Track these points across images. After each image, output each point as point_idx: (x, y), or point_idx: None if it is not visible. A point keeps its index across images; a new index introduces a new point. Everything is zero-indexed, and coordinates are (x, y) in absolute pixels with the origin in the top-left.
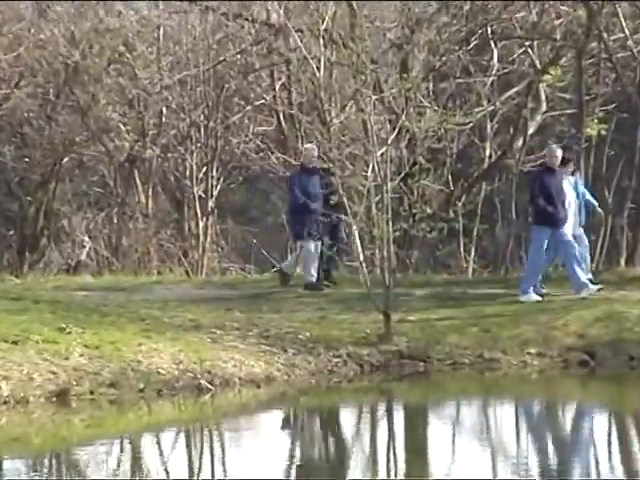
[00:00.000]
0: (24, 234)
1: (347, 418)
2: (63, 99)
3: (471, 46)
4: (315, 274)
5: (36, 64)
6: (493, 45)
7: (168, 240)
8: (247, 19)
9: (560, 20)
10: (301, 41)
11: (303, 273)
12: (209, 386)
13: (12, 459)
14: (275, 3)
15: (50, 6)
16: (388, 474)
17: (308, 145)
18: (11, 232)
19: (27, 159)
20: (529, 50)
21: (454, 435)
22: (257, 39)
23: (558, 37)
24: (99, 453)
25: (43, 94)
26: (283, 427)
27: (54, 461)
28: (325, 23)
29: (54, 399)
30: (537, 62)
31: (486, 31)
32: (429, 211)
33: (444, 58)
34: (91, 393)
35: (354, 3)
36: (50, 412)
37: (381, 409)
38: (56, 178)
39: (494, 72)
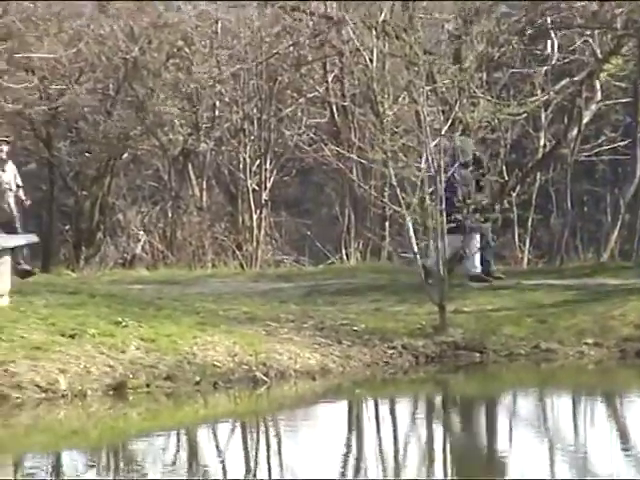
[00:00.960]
0: (80, 228)
1: (404, 410)
2: (123, 94)
3: (527, 36)
4: (479, 265)
5: (96, 60)
6: (552, 34)
7: (222, 233)
8: (305, 12)
9: (621, 9)
10: (354, 33)
11: (466, 265)
12: (264, 378)
13: (70, 452)
14: None
15: (110, 2)
16: (445, 468)
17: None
18: (67, 227)
19: (85, 154)
20: (589, 39)
21: (515, 427)
22: (314, 32)
23: (619, 26)
24: (156, 446)
25: (103, 89)
26: (339, 419)
27: (111, 454)
28: (383, 15)
29: (111, 392)
30: (598, 51)
31: (545, 21)
32: (484, 202)
33: (502, 49)
34: (147, 386)
35: None
36: (107, 405)
37: (438, 400)
38: (111, 172)
39: (552, 62)
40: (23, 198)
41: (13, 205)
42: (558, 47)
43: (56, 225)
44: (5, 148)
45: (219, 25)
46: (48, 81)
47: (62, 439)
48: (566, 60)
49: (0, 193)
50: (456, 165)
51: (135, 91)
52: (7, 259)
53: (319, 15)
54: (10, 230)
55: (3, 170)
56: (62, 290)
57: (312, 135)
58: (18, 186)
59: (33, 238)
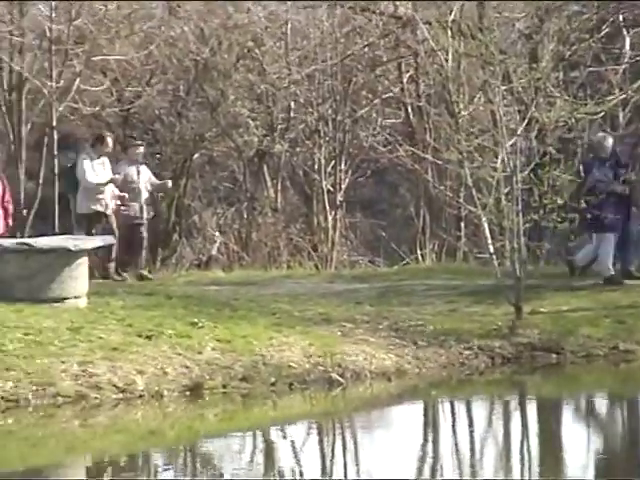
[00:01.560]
0: (156, 230)
1: (480, 411)
2: (193, 96)
3: (602, 34)
4: (612, 267)
5: (166, 62)
6: (625, 32)
7: (297, 234)
8: (375, 12)
9: None
10: (429, 33)
11: (599, 267)
12: (340, 379)
13: (148, 452)
14: None
15: (180, 4)
16: (522, 471)
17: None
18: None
19: (158, 155)
20: None
21: (594, 430)
22: (385, 32)
23: None
24: (232, 446)
25: (173, 91)
26: (416, 420)
27: (188, 454)
28: (453, 14)
29: (187, 393)
30: None
31: (617, 19)
32: (560, 202)
33: (574, 47)
34: (223, 387)
35: None
36: (183, 406)
37: (514, 402)
38: (187, 174)
39: (626, 60)
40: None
41: (145, 207)
42: (631, 46)
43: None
44: (141, 150)
45: (289, 26)
46: (120, 83)
47: (139, 439)
48: (639, 58)
49: (135, 195)
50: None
51: (206, 92)
52: (85, 260)
53: (388, 15)
54: (133, 235)
55: (138, 172)
56: (139, 291)
57: (387, 136)
58: (149, 191)
59: (110, 240)
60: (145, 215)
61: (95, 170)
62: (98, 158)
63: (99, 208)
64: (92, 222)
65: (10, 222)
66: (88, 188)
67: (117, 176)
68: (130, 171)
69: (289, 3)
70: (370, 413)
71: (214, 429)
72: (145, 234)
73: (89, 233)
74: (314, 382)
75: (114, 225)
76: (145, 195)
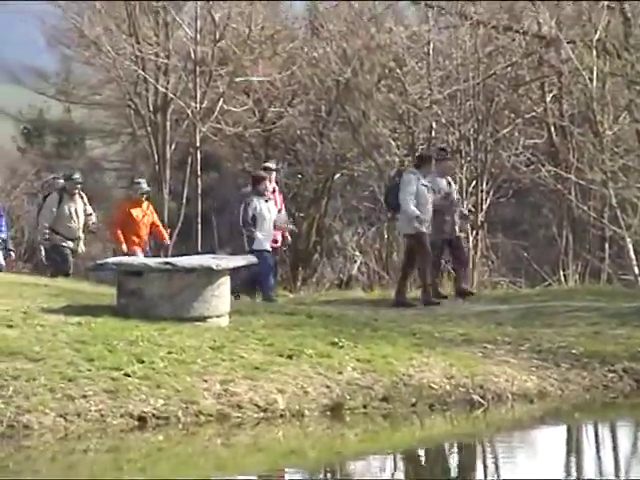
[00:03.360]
0: (297, 249)
1: (625, 435)
2: (335, 116)
3: None
4: None
5: (309, 82)
6: None
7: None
8: (518, 31)
9: None
10: (573, 52)
11: None
12: (481, 401)
13: (289, 471)
14: (547, 15)
15: (323, 24)
16: None
17: None
18: (284, 248)
19: (300, 175)
20: None
21: None
22: (528, 51)
23: None
24: (373, 467)
25: (315, 111)
26: (559, 443)
27: (329, 474)
28: (598, 33)
29: (328, 413)
30: None
31: None
32: None
33: None
34: (364, 407)
35: (629, 11)
36: (324, 426)
37: None
38: (328, 194)
39: None
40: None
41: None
42: None
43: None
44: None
45: (431, 46)
46: (263, 104)
47: (281, 458)
48: None
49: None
50: None
51: (347, 113)
52: (227, 279)
53: (532, 34)
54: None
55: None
56: (279, 311)
57: (529, 156)
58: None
59: (252, 259)
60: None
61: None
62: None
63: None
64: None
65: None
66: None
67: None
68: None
69: (431, 23)
70: (512, 435)
71: (355, 449)
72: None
73: None
74: (455, 403)
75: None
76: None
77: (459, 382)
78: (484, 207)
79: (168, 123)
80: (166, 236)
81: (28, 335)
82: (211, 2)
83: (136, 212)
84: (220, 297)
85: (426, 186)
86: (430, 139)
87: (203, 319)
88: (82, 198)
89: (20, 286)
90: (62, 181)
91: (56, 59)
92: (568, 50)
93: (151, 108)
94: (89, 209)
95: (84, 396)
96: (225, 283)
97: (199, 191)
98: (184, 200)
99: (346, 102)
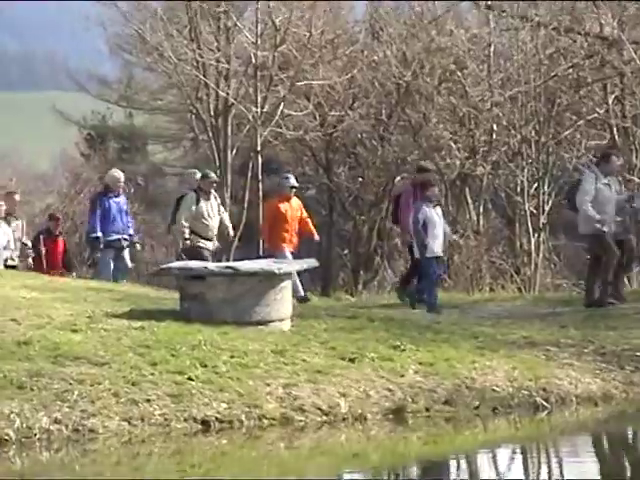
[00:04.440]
0: (358, 253)
1: None
2: (395, 119)
3: None
4: None
5: (369, 85)
6: None
7: (500, 257)
8: (579, 33)
9: None
10: (635, 53)
11: None
12: (545, 404)
13: (352, 475)
14: (609, 15)
15: (383, 28)
16: None
17: None
18: (346, 251)
19: (361, 179)
20: None
21: None
22: (590, 53)
23: None
24: (436, 470)
25: (376, 115)
26: (624, 447)
27: (392, 478)
28: None
29: (390, 416)
30: None
31: None
32: None
33: None
34: (426, 410)
35: None
36: (387, 429)
37: None
38: (389, 197)
39: None
40: None
41: None
42: None
43: (335, 250)
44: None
45: (492, 48)
46: (323, 107)
47: (344, 462)
48: None
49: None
50: None
51: (408, 116)
52: (289, 283)
53: (594, 35)
54: None
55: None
56: (341, 314)
57: (592, 157)
58: None
59: (313, 262)
60: None
61: None
62: None
63: None
64: None
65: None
66: None
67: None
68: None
69: (492, 25)
70: (577, 438)
71: (418, 453)
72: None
73: None
74: (518, 406)
75: None
76: None
77: (522, 385)
78: (546, 209)
79: (229, 128)
80: (314, 232)
81: (92, 340)
82: (272, 6)
83: (284, 207)
84: (282, 301)
85: (607, 184)
86: (491, 141)
87: (265, 323)
88: (216, 198)
89: (85, 291)
90: (198, 176)
91: (118, 66)
92: (631, 51)
93: (212, 113)
94: (222, 209)
95: (148, 400)
96: (287, 287)
97: (260, 195)
98: (245, 204)
99: (407, 105)
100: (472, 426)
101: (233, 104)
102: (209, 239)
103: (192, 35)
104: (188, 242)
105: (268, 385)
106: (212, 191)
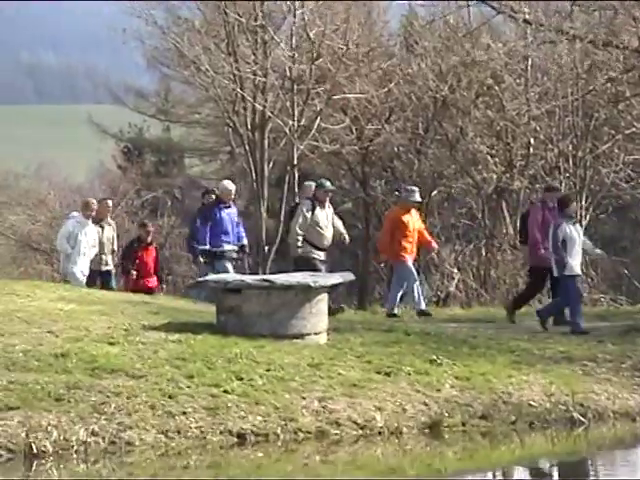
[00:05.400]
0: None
1: None
2: (432, 133)
3: None
4: None
5: (405, 99)
6: None
7: None
8: (617, 46)
9: None
10: None
11: None
12: (582, 419)
13: None
14: None
15: (417, 41)
16: None
17: None
18: (382, 264)
19: (397, 193)
20: None
21: None
22: (627, 67)
23: None
24: None
25: (412, 128)
26: None
27: None
28: None
29: (426, 430)
30: None
31: None
32: None
33: None
34: (463, 425)
35: None
36: (422, 443)
37: None
38: (425, 211)
39: None
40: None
41: None
42: None
43: (371, 263)
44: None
45: (529, 62)
46: (360, 121)
47: (380, 476)
48: None
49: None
50: None
51: (444, 129)
52: (325, 297)
53: (632, 49)
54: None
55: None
56: (377, 328)
57: (630, 172)
58: None
59: (349, 276)
60: None
61: None
62: None
63: None
64: None
65: None
66: None
67: None
68: None
69: (529, 39)
70: (614, 454)
71: (454, 467)
72: None
73: None
74: (555, 421)
75: None
76: None
77: (559, 400)
78: (584, 223)
79: (266, 141)
80: (433, 242)
81: (129, 352)
82: (307, 19)
83: (407, 218)
84: (318, 314)
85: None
86: (528, 155)
87: (301, 336)
88: (329, 208)
89: (121, 303)
90: (313, 186)
91: (156, 79)
92: None
93: (249, 126)
94: (336, 218)
95: (184, 413)
96: (323, 300)
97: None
98: (282, 217)
99: (443, 119)
100: (509, 441)
101: (270, 117)
102: (323, 249)
103: (229, 49)
104: (300, 250)
105: (304, 398)
106: (327, 201)
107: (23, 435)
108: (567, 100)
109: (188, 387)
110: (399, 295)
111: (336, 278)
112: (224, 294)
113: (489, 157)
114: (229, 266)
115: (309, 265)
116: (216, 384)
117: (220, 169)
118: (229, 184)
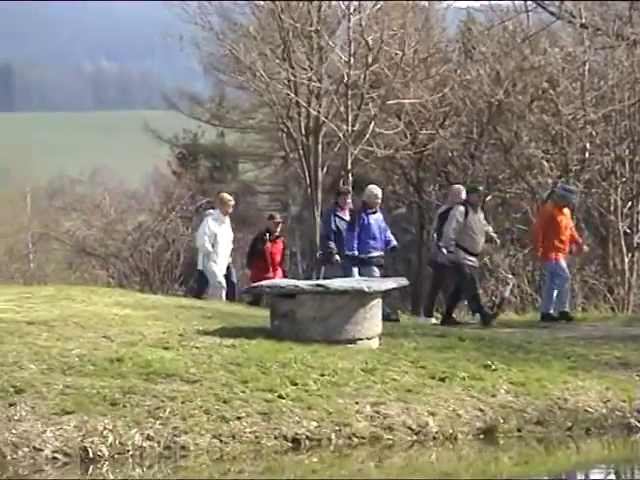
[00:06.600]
0: None
1: None
2: (486, 137)
3: None
4: None
5: (460, 104)
6: None
7: (592, 276)
8: None
9: None
10: None
11: None
12: (639, 426)
13: None
14: None
15: (475, 47)
16: None
17: None
18: None
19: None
20: None
21: None
22: None
23: None
24: None
25: (467, 133)
26: None
27: None
28: None
29: (481, 436)
30: None
31: None
32: None
33: None
34: (518, 430)
35: None
36: (477, 449)
37: None
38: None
39: None
40: None
41: None
42: None
43: (425, 268)
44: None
45: (586, 67)
46: (414, 126)
47: None
48: None
49: None
50: None
51: (499, 134)
52: (379, 302)
53: None
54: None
55: None
56: (431, 333)
57: None
58: None
59: (403, 281)
60: None
61: None
62: None
63: None
64: None
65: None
66: None
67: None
68: None
69: (587, 44)
70: None
71: (510, 473)
72: None
73: None
74: (612, 428)
75: None
76: None
77: (616, 406)
78: None
79: (320, 146)
80: (580, 240)
81: (184, 357)
82: (364, 25)
83: (560, 217)
84: (372, 319)
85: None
86: (584, 160)
87: (355, 341)
88: (481, 212)
89: (176, 308)
90: (464, 194)
91: (211, 85)
92: None
93: (303, 131)
94: (486, 222)
95: (238, 418)
96: (377, 305)
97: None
98: (318, 221)
99: (498, 123)
100: (564, 447)
101: (324, 122)
102: (476, 255)
103: (285, 54)
104: (452, 255)
105: (357, 403)
106: (480, 206)
107: (79, 439)
108: (624, 104)
109: (242, 392)
110: (554, 295)
111: (390, 283)
112: (278, 299)
113: (544, 162)
114: (376, 272)
115: (460, 271)
116: (270, 389)
117: (274, 174)
118: (375, 189)
